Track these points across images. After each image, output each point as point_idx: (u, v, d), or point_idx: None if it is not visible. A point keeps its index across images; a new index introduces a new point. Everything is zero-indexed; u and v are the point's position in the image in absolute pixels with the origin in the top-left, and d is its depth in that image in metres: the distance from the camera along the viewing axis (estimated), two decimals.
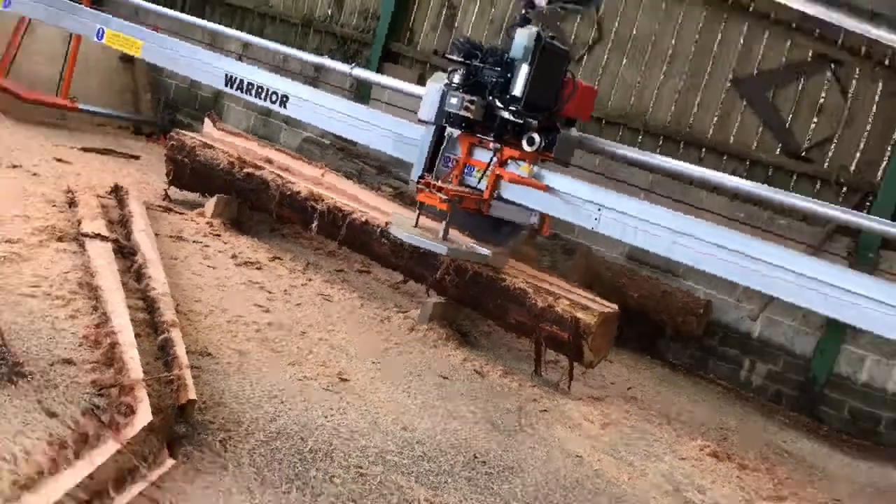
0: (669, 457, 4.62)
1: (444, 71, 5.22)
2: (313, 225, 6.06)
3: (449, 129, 5.09)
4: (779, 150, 6.86)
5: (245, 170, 6.45)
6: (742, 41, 7.04)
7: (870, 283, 4.35)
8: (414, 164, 5.26)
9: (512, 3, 8.27)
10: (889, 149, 6.38)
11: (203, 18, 10.27)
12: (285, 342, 4.46)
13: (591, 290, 6.52)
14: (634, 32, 7.56)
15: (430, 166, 5.18)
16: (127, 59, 9.74)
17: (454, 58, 4.98)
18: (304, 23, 9.62)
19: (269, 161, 6.59)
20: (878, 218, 6.14)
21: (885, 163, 6.38)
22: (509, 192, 5.04)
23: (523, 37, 4.68)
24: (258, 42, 9.02)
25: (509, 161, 4.99)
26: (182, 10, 10.55)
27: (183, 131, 7.16)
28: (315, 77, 9.10)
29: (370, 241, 5.85)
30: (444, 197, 4.80)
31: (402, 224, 5.23)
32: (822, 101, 6.69)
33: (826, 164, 6.62)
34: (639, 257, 7.17)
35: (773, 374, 6.64)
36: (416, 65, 8.80)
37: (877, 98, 6.48)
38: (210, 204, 6.59)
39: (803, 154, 6.72)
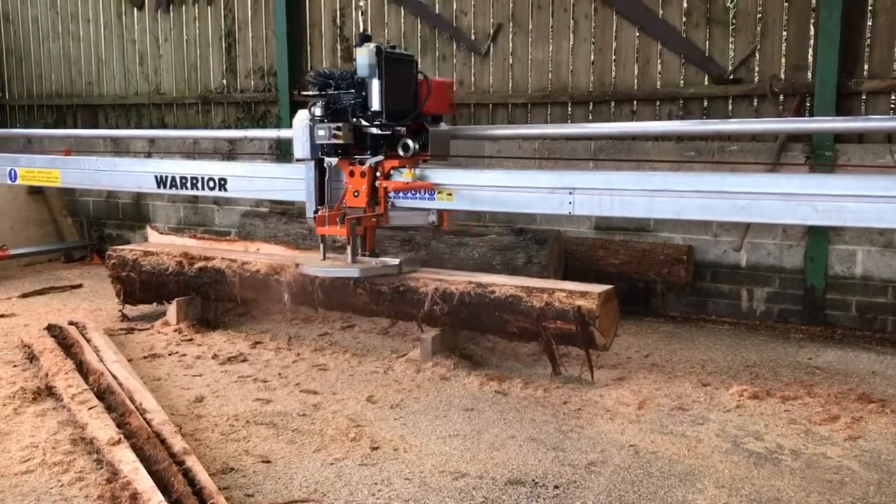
0: (714, 414, 4.50)
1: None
2: (285, 297, 5.83)
3: (327, 160, 5.26)
4: (707, 80, 6.83)
5: (196, 265, 6.20)
6: None
7: (849, 182, 4.35)
8: (306, 203, 5.44)
9: (403, 20, 8.14)
10: (811, 45, 6.39)
11: (98, 127, 10.01)
12: (301, 429, 4.23)
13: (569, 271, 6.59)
14: (531, 11, 7.49)
15: (321, 200, 5.37)
16: (36, 190, 9.36)
17: (309, 93, 5.22)
18: (202, 100, 9.34)
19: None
20: (820, 117, 6.22)
21: (811, 60, 6.39)
22: (401, 199, 5.25)
23: (364, 55, 4.87)
24: (165, 134, 8.86)
25: (392, 171, 5.19)
26: (75, 126, 10.24)
27: (120, 246, 6.89)
28: (230, 150, 8.87)
29: (346, 296, 5.65)
30: (342, 224, 5.08)
31: (311, 261, 5.47)
32: (732, 19, 6.70)
33: (756, 80, 6.60)
34: (607, 224, 7.08)
35: (773, 296, 6.60)
36: None
37: (785, 6, 6.49)
38: (171, 310, 6.32)
39: (731, 77, 6.70)
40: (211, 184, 6.32)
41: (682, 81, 6.94)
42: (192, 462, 3.52)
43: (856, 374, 5.26)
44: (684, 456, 3.93)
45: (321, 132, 5.06)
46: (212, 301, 6.37)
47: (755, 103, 6.64)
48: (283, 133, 7.13)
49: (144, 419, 4.01)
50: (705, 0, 6.75)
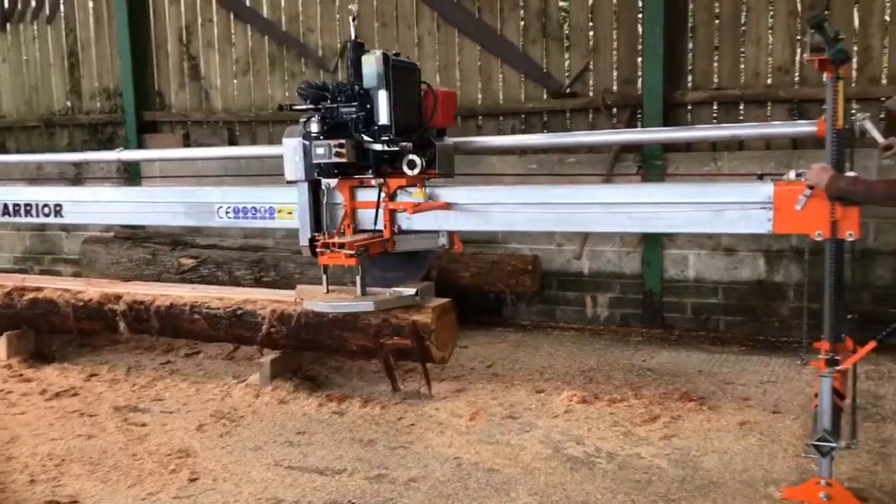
0: (542, 420, 4.61)
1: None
2: (121, 327, 5.65)
3: (325, 181, 4.70)
4: (545, 94, 7.04)
5: (26, 296, 5.93)
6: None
7: (660, 191, 4.55)
8: (299, 229, 4.83)
9: (250, 37, 8.04)
10: (639, 61, 6.67)
11: None
12: (120, 464, 4.09)
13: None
14: (376, 29, 7.54)
15: (316, 225, 4.80)
16: None
17: (303, 107, 4.58)
18: (46, 123, 8.97)
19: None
20: (650, 128, 6.48)
21: (640, 75, 6.67)
22: (410, 221, 4.77)
23: (371, 63, 4.32)
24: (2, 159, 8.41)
25: (398, 191, 4.72)
26: None
27: None
28: (77, 174, 8.53)
29: (183, 322, 5.51)
30: (350, 252, 4.44)
31: (315, 296, 4.86)
32: (566, 36, 6.93)
33: (591, 94, 6.84)
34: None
35: (615, 301, 6.84)
36: (177, 126, 8.41)
37: (614, 23, 6.76)
38: (0, 345, 6.01)
39: (568, 91, 6.92)
40: (46, 210, 6.00)
41: (522, 96, 7.13)
42: None
43: (683, 374, 5.49)
44: (504, 465, 4.00)
45: (320, 150, 4.48)
46: (45, 334, 6.10)
47: (591, 116, 6.88)
48: (124, 155, 6.91)
49: None
50: (540, 17, 6.96)
